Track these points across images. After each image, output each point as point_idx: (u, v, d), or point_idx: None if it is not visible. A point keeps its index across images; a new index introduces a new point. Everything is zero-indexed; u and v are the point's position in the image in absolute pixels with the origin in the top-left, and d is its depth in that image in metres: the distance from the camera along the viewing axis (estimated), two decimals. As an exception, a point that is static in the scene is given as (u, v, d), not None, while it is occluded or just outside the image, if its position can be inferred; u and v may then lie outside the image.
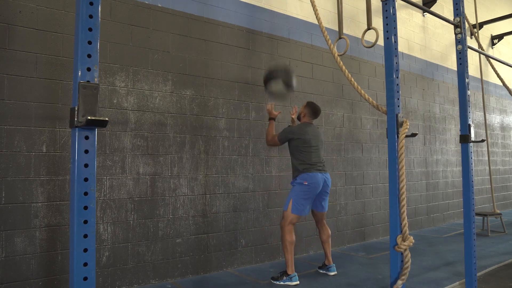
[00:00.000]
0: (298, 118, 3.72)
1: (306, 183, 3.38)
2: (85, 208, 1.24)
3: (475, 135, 7.35)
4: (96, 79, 1.28)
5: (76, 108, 1.22)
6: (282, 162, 4.26)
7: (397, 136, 2.20)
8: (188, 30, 3.67)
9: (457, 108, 6.74)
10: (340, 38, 4.17)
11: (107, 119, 1.24)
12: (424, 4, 6.61)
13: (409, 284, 3.20)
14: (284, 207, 3.44)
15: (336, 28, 4.75)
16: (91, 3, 1.29)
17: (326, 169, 3.56)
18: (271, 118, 3.67)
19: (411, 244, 2.09)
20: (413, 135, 2.26)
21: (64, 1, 3.02)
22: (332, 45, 2.78)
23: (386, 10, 2.31)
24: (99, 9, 1.31)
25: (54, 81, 2.95)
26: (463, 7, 3.08)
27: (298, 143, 3.47)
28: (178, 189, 3.53)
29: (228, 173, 3.87)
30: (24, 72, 2.82)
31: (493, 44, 8.42)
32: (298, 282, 3.30)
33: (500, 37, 8.39)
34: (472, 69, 7.16)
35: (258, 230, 4.04)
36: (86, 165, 1.25)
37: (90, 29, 1.28)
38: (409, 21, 6.27)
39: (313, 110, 3.63)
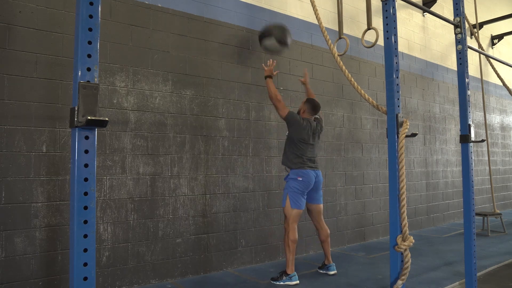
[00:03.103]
0: (298, 113, 3.70)
1: (300, 179, 3.44)
2: (85, 208, 1.24)
3: (475, 135, 7.34)
4: (96, 79, 1.28)
5: (76, 108, 1.23)
6: (282, 162, 4.26)
7: (397, 136, 2.20)
8: (188, 30, 3.67)
9: (457, 108, 6.74)
10: (340, 38, 4.17)
11: (107, 119, 1.24)
12: (424, 4, 6.61)
13: (409, 284, 3.20)
14: (282, 204, 3.50)
15: (336, 28, 4.76)
16: (91, 3, 1.29)
17: (318, 166, 3.63)
18: (269, 76, 3.54)
19: (411, 244, 2.09)
20: (413, 135, 2.26)
21: (64, 1, 3.02)
22: (332, 45, 2.78)
23: (386, 10, 2.31)
24: (99, 9, 1.31)
25: (54, 81, 2.95)
26: (463, 7, 3.08)
27: (296, 136, 3.48)
28: (178, 189, 3.53)
29: (228, 173, 3.87)
30: (24, 72, 2.82)
31: (493, 44, 8.42)
32: (297, 282, 3.30)
33: (500, 37, 8.39)
34: (472, 69, 7.15)
35: (258, 230, 4.04)
36: (86, 165, 1.25)
37: (90, 29, 1.28)
38: (409, 21, 6.27)
39: (313, 106, 3.65)
